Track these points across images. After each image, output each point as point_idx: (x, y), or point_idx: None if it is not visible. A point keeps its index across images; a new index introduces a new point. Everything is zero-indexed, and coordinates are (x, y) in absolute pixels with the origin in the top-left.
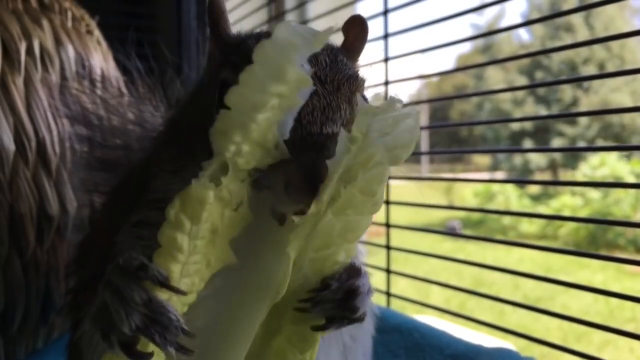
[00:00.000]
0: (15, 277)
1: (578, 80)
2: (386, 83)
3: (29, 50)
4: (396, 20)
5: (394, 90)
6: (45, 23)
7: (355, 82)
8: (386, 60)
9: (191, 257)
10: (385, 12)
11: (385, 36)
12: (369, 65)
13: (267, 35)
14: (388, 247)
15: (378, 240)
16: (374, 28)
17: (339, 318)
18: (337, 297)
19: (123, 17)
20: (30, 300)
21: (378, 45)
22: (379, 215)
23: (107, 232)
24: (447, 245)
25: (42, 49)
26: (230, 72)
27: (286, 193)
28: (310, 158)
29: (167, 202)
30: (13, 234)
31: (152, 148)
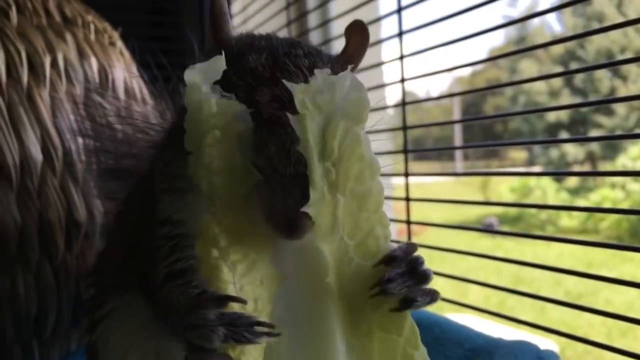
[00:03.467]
0: (47, 282)
1: (603, 67)
2: (402, 80)
3: (54, 64)
4: (418, 16)
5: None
6: (68, 37)
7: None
8: (401, 57)
9: (240, 279)
10: (399, 10)
11: (400, 34)
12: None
13: (268, 50)
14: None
15: (402, 238)
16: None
17: (415, 293)
18: (402, 270)
19: (149, 27)
20: (62, 305)
21: (393, 43)
22: (400, 212)
23: (119, 244)
24: (484, 243)
25: (66, 61)
26: (226, 85)
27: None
28: (286, 202)
29: (173, 233)
30: (43, 241)
31: (154, 156)
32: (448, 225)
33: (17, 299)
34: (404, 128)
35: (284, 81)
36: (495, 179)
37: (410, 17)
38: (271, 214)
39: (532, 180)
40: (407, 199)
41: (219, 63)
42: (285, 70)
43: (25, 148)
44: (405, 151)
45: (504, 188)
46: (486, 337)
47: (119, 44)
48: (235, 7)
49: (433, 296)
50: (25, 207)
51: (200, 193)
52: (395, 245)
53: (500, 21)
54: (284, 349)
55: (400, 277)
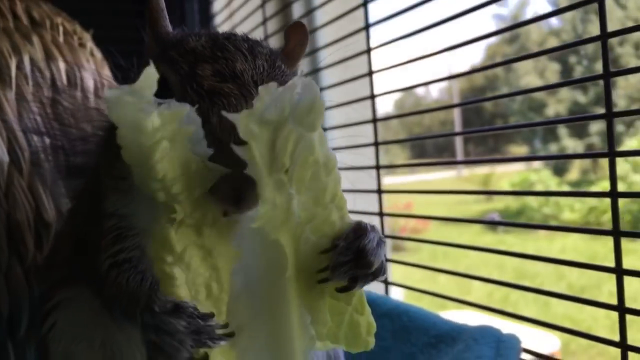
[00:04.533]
0: (18, 282)
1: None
2: (372, 97)
3: (20, 66)
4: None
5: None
6: (35, 39)
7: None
8: (370, 73)
9: (193, 275)
10: (367, 27)
11: (368, 50)
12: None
13: (207, 35)
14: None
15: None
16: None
17: (361, 277)
18: (347, 258)
19: (127, 30)
20: (34, 304)
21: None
22: (373, 206)
23: (69, 237)
24: (486, 239)
25: (33, 63)
26: (167, 67)
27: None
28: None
29: (119, 225)
30: (12, 242)
31: (99, 154)
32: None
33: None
34: (376, 144)
35: (224, 113)
36: (497, 175)
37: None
38: (217, 186)
39: (533, 175)
40: (381, 214)
41: (152, 77)
42: (224, 49)
43: None
44: (377, 167)
45: (505, 183)
46: (451, 324)
47: (90, 45)
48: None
49: (376, 276)
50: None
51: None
52: (351, 222)
53: (491, 20)
54: (245, 319)
55: (344, 265)
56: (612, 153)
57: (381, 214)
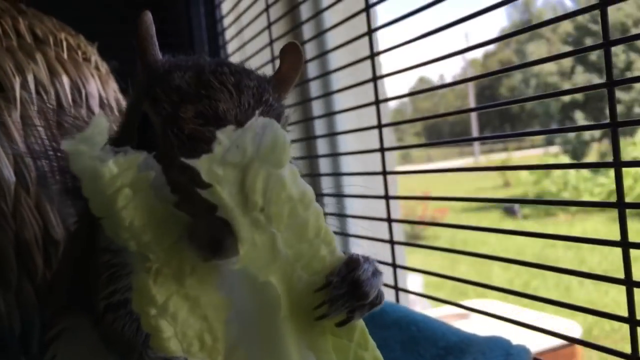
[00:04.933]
0: (28, 299)
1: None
2: (374, 79)
3: (24, 85)
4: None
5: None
6: (39, 56)
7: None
8: (372, 55)
9: (182, 327)
10: (367, 8)
11: (370, 32)
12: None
13: (194, 68)
14: (392, 242)
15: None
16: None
17: (358, 308)
18: (342, 291)
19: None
20: (46, 321)
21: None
22: (381, 211)
23: (70, 265)
24: (506, 225)
25: (37, 82)
26: (150, 105)
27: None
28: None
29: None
30: (21, 260)
31: None
32: (416, 221)
33: (0, 317)
34: (379, 126)
35: (183, 159)
36: (514, 161)
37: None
38: (193, 234)
39: (550, 160)
40: (387, 197)
41: (102, 124)
42: (209, 87)
43: None
44: (382, 150)
45: (522, 171)
46: (460, 335)
47: (95, 58)
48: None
49: (373, 306)
50: (0, 228)
51: None
52: (342, 256)
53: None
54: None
55: (340, 299)
56: (617, 163)
57: (387, 197)
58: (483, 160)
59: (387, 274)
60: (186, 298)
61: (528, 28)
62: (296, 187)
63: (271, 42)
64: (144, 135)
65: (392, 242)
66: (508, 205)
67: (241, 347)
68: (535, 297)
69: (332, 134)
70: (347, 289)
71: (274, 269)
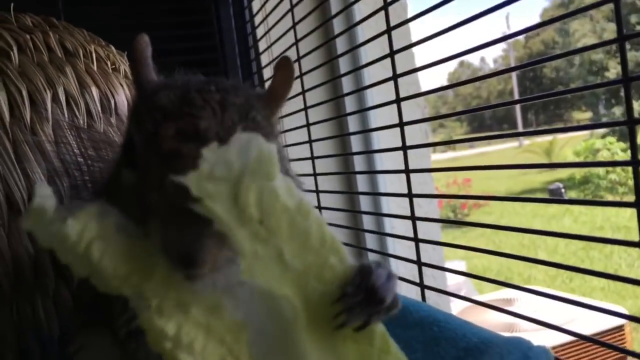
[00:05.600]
0: (65, 305)
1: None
2: (395, 77)
3: (55, 98)
4: None
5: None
6: (68, 70)
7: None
8: (392, 54)
9: (202, 356)
10: (386, 7)
11: (388, 30)
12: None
13: (181, 87)
14: (416, 240)
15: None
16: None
17: (375, 313)
18: (359, 299)
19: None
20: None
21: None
22: (405, 209)
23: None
24: (551, 210)
25: (67, 94)
26: (133, 125)
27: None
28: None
29: None
30: (57, 267)
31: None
32: (439, 220)
33: (39, 324)
34: (401, 124)
35: (173, 177)
36: (559, 142)
37: None
38: (166, 251)
39: (597, 142)
40: (410, 195)
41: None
42: (192, 105)
43: (32, 182)
44: (404, 148)
45: (568, 151)
46: (482, 335)
47: (124, 67)
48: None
49: (391, 309)
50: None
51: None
52: (353, 265)
53: None
54: None
55: (357, 306)
56: (636, 162)
57: (407, 171)
58: (527, 143)
59: (412, 270)
60: (198, 326)
61: (561, 16)
62: (291, 197)
63: (296, 44)
64: (130, 155)
65: (416, 240)
66: (554, 187)
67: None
68: (586, 270)
69: (361, 131)
70: (363, 296)
71: (286, 282)
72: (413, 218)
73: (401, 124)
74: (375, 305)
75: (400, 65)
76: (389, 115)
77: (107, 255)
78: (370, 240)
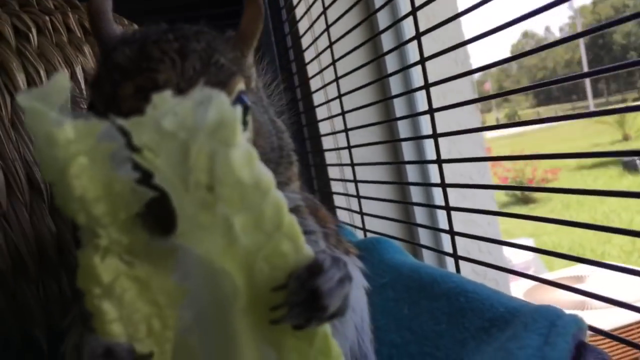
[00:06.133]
0: None
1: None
2: (422, 60)
3: (73, 77)
4: None
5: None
6: (86, 48)
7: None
8: (418, 35)
9: (128, 310)
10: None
11: (414, 11)
12: None
13: (139, 40)
14: (448, 208)
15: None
16: None
17: (315, 318)
18: (300, 299)
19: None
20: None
21: None
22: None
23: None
24: (626, 181)
25: (85, 73)
26: (93, 89)
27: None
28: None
29: None
30: (78, 244)
31: None
32: (471, 185)
33: (66, 300)
34: (431, 111)
35: (118, 120)
36: (631, 113)
37: None
38: (144, 215)
39: None
40: (444, 185)
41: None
42: (150, 58)
43: None
44: (435, 135)
45: None
46: (509, 305)
47: None
48: None
49: (334, 317)
50: (58, 216)
51: None
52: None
53: None
54: (194, 349)
55: (296, 307)
56: None
57: (439, 161)
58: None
59: (446, 240)
60: (135, 280)
61: None
62: (249, 171)
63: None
64: None
65: (448, 208)
66: (628, 159)
67: (193, 336)
68: None
69: (385, 121)
70: (304, 297)
71: (231, 256)
72: (443, 185)
73: (431, 111)
74: (317, 310)
75: (447, 38)
76: (440, 94)
77: (84, 175)
78: (419, 214)
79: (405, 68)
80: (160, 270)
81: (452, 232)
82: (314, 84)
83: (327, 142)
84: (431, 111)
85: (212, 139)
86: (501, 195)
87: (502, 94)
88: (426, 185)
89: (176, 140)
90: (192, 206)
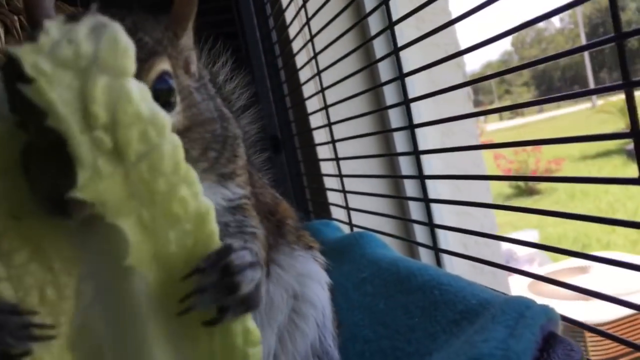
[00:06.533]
0: None
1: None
2: (396, 50)
3: None
4: None
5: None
6: None
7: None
8: (391, 24)
9: (18, 272)
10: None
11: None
12: None
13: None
14: (426, 200)
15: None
16: None
17: (232, 306)
18: (211, 279)
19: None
20: None
21: None
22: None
23: None
24: (629, 170)
25: None
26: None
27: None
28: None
29: None
30: None
31: None
32: (448, 176)
33: None
34: (406, 102)
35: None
36: (637, 100)
37: None
38: (37, 193)
39: None
40: (422, 177)
41: None
42: None
43: None
44: (411, 127)
45: None
46: (481, 297)
47: None
48: None
49: (249, 305)
50: None
51: None
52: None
53: None
54: (99, 328)
55: (207, 289)
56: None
57: (417, 153)
58: (601, 103)
59: (425, 233)
60: (27, 239)
61: None
62: (146, 105)
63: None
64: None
65: (426, 200)
66: (630, 148)
67: (95, 311)
68: None
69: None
70: (216, 277)
71: (127, 210)
72: (422, 177)
73: (406, 101)
74: (230, 290)
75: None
76: (427, 80)
77: None
78: (414, 208)
79: (377, 61)
80: (54, 232)
81: (431, 225)
82: (303, 76)
83: (318, 137)
84: (407, 102)
85: (107, 69)
86: (505, 187)
87: (475, 81)
88: (402, 177)
89: (71, 71)
90: (91, 151)
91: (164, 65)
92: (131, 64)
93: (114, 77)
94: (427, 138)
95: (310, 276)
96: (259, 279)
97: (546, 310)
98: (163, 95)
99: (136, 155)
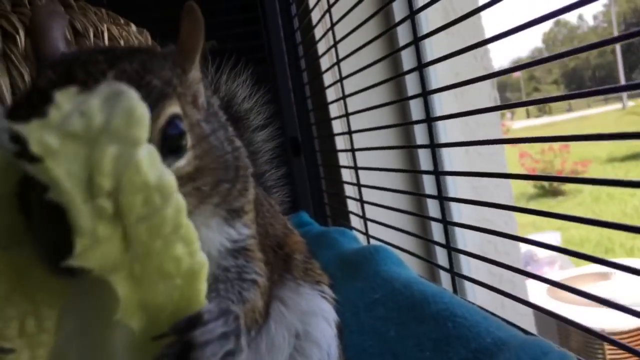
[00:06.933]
0: None
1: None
2: (420, 67)
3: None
4: None
5: None
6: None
7: None
8: (416, 40)
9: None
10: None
11: (412, 14)
12: None
13: (69, 61)
14: (445, 222)
15: None
16: None
17: None
18: (173, 351)
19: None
20: None
21: None
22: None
23: None
24: None
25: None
26: (9, 117)
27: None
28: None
29: None
30: None
31: None
32: (475, 173)
33: None
34: (424, 94)
35: (13, 123)
36: None
37: None
38: (37, 237)
39: None
40: (437, 173)
41: None
42: (73, 81)
43: None
44: (429, 120)
45: None
46: (496, 335)
47: (138, 44)
48: None
49: None
50: None
51: None
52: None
53: None
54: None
55: (169, 358)
56: None
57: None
58: (631, 104)
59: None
60: (11, 267)
61: None
62: (154, 172)
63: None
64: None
65: (445, 222)
66: None
67: (72, 346)
68: None
69: (387, 103)
70: (177, 351)
71: (119, 266)
72: (437, 173)
73: (424, 93)
74: None
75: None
76: (449, 72)
77: None
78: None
79: (396, 51)
80: (33, 268)
81: (448, 247)
82: (327, 79)
83: (339, 143)
84: (425, 94)
85: (118, 138)
86: (528, 187)
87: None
88: (418, 172)
89: (80, 143)
90: (91, 219)
91: (174, 108)
92: (144, 133)
93: (124, 146)
94: (447, 132)
95: (316, 314)
96: (227, 350)
97: (564, 356)
98: (174, 140)
99: (137, 218)
